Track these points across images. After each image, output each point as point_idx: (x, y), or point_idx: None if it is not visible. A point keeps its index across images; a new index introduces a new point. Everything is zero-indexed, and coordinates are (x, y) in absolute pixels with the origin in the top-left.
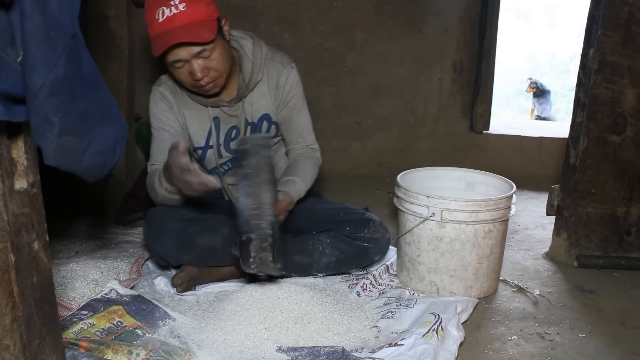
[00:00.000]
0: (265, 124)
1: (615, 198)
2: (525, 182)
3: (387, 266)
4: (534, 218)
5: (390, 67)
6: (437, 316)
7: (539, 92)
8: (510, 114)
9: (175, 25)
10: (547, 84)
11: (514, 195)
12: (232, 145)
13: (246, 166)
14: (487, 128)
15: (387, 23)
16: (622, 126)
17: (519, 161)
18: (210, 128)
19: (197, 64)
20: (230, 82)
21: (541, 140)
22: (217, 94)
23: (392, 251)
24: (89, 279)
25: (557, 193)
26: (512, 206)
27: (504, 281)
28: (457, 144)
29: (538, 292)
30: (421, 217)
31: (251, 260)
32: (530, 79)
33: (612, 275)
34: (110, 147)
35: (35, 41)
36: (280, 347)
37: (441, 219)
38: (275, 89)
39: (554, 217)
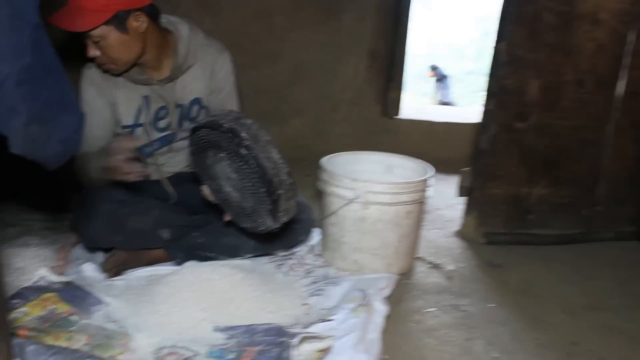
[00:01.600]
0: (195, 107)
1: (519, 180)
2: (435, 165)
3: (311, 247)
4: (444, 199)
5: (308, 53)
6: (363, 292)
7: (439, 77)
8: (412, 98)
9: (65, 6)
10: (445, 68)
11: (431, 179)
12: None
13: (243, 139)
14: (399, 113)
15: (306, 10)
16: (527, 114)
17: (429, 145)
18: (140, 106)
19: (90, 47)
20: (163, 63)
21: (450, 125)
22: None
23: (314, 232)
24: (14, 267)
25: (467, 175)
26: (430, 188)
27: (421, 258)
28: (371, 128)
29: (451, 268)
30: (346, 200)
31: (281, 213)
32: (432, 64)
33: (516, 250)
34: (71, 136)
35: (3, 30)
36: (217, 327)
37: (365, 200)
38: (210, 75)
39: (464, 197)
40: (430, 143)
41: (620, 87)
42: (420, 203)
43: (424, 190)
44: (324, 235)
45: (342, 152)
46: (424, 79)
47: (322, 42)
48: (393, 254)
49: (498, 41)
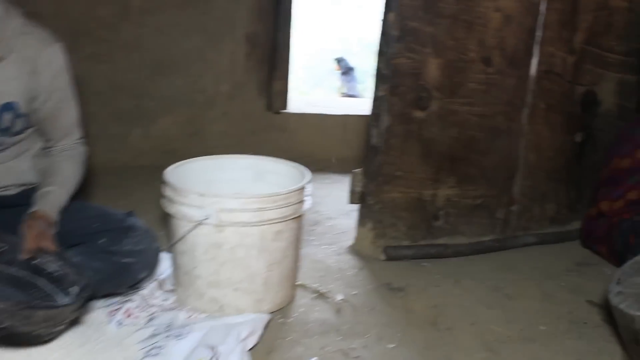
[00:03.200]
0: (8, 115)
1: (421, 181)
2: (330, 164)
3: (161, 282)
4: (339, 205)
5: (174, 39)
6: (214, 350)
7: (345, 70)
8: (323, 95)
9: None
10: (357, 63)
11: (308, 186)
12: None
13: None
14: (286, 107)
15: None
16: (426, 100)
17: (322, 141)
18: None
19: None
20: None
21: (346, 118)
22: None
23: (163, 263)
24: None
25: (359, 178)
26: (307, 199)
27: (303, 286)
28: (254, 125)
29: (342, 297)
30: (194, 221)
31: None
32: (337, 57)
33: (421, 266)
34: None
35: None
36: None
37: (218, 221)
38: (32, 73)
39: (357, 205)
40: (324, 139)
41: (534, 65)
42: (295, 219)
43: (299, 203)
44: (175, 267)
45: (197, 158)
46: (335, 74)
47: (190, 26)
48: (262, 287)
49: (386, 11)
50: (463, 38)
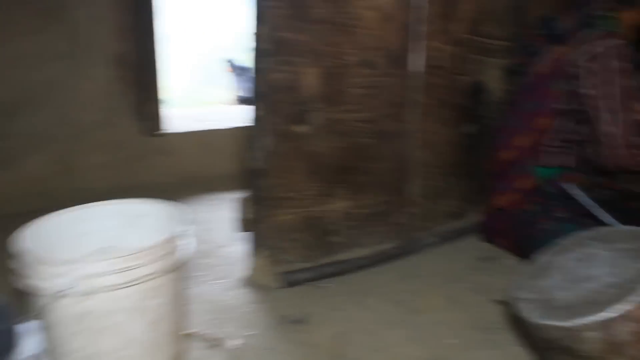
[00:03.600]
0: None
1: (312, 197)
2: (219, 183)
3: (35, 356)
4: (231, 229)
5: (32, 69)
6: None
7: (238, 71)
8: (212, 104)
9: None
10: (243, 61)
11: (188, 228)
12: None
13: None
14: (166, 128)
15: (18, 13)
16: (309, 113)
17: (208, 158)
18: None
19: None
20: None
21: (233, 131)
22: None
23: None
24: None
25: (246, 204)
26: (189, 242)
27: (194, 336)
28: (133, 152)
29: (239, 341)
30: (53, 292)
31: None
32: (228, 59)
33: (324, 287)
34: None
35: None
36: None
37: (83, 289)
38: None
39: (248, 233)
40: (211, 155)
41: (420, 61)
42: (176, 270)
43: (176, 251)
44: (46, 342)
45: (59, 211)
46: (228, 76)
47: (50, 53)
48: (146, 351)
49: (257, 25)
50: (340, 42)
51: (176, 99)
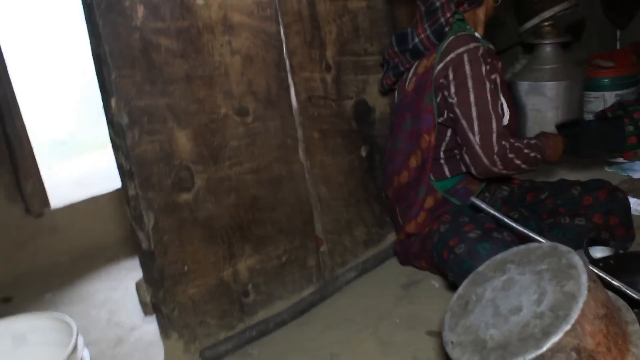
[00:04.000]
0: None
1: (215, 263)
2: (118, 250)
3: None
4: (137, 303)
5: None
6: None
7: None
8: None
9: None
10: None
11: (77, 341)
12: None
13: None
14: (48, 204)
15: None
16: (189, 179)
17: (104, 226)
18: None
19: None
20: None
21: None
22: None
23: None
24: None
25: (144, 288)
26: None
27: None
28: (16, 237)
29: None
30: None
31: None
32: None
33: (247, 355)
34: None
35: None
36: None
37: None
38: None
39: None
40: (107, 223)
41: (294, 96)
42: None
43: None
44: None
45: None
46: None
47: None
48: None
49: (105, 98)
50: (207, 96)
51: (60, 149)
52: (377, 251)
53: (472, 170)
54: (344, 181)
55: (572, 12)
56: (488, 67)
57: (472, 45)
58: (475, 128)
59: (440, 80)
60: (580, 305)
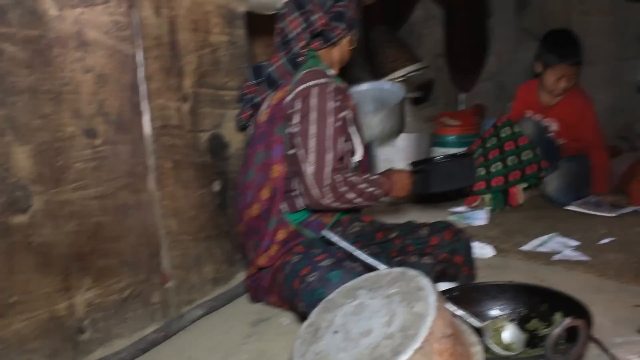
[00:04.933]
0: None
1: (49, 295)
2: None
3: None
4: None
5: None
6: None
7: None
8: None
9: None
10: None
11: None
12: None
13: None
14: None
15: None
16: (26, 199)
17: None
18: None
19: None
20: None
21: None
22: None
23: None
24: None
25: None
26: None
27: None
28: None
29: None
30: None
31: None
32: None
33: None
34: None
35: None
36: None
37: None
38: None
39: None
40: None
41: (148, 123)
42: None
43: None
44: None
45: None
46: None
47: None
48: None
49: None
50: (54, 113)
51: None
52: (226, 289)
53: (304, 201)
54: (195, 215)
55: (422, 73)
56: (337, 104)
57: (322, 80)
58: (311, 158)
59: (289, 111)
60: (428, 324)
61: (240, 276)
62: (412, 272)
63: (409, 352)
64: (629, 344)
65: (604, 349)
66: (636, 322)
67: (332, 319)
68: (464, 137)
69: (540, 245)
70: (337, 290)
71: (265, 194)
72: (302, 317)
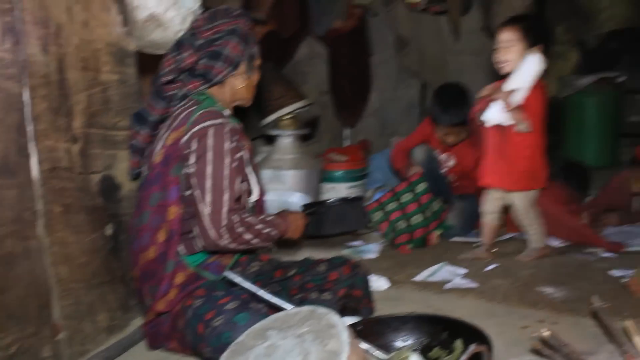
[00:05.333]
0: None
1: None
2: None
3: None
4: None
5: None
6: None
7: None
8: None
9: None
10: None
11: None
12: None
13: None
14: None
15: None
16: None
17: None
18: None
19: None
20: None
21: None
22: None
23: None
24: None
25: None
26: None
27: None
28: None
29: None
30: None
31: None
32: None
33: None
34: None
35: None
36: None
37: None
38: None
39: None
40: None
41: (35, 166)
42: None
43: None
44: None
45: None
46: None
47: None
48: None
49: None
50: None
51: None
52: (122, 337)
53: (201, 242)
54: (87, 261)
55: (307, 110)
56: (234, 145)
57: (219, 120)
58: (207, 199)
59: (185, 151)
60: None
61: (137, 322)
62: (321, 310)
63: None
64: None
65: None
66: (525, 342)
67: None
68: (352, 172)
69: (431, 275)
70: (246, 332)
71: (161, 236)
72: None
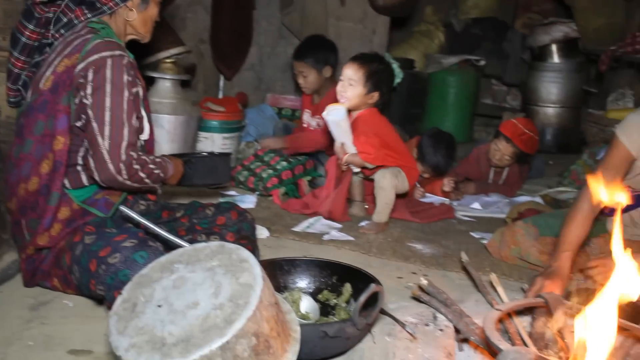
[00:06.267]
0: None
1: None
2: None
3: None
4: None
5: None
6: None
7: None
8: None
9: None
10: None
11: None
12: None
13: None
14: None
15: None
16: None
17: None
18: None
19: None
20: None
21: None
22: None
23: None
24: None
25: None
26: None
27: None
28: None
29: None
30: None
31: None
32: None
33: None
34: None
35: None
36: None
37: None
38: None
39: None
40: None
41: None
42: None
43: None
44: None
45: None
46: None
47: None
48: None
49: None
50: None
51: None
52: None
53: (96, 176)
54: None
55: (185, 57)
56: (130, 79)
57: (117, 52)
58: (106, 132)
59: (80, 80)
60: (258, 292)
61: (8, 257)
62: (231, 245)
63: (242, 320)
64: (402, 309)
65: (387, 313)
66: (403, 291)
67: (151, 294)
68: (229, 123)
69: (308, 227)
70: (151, 265)
71: (45, 167)
72: (95, 299)
